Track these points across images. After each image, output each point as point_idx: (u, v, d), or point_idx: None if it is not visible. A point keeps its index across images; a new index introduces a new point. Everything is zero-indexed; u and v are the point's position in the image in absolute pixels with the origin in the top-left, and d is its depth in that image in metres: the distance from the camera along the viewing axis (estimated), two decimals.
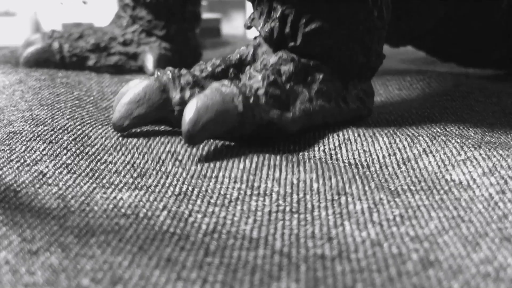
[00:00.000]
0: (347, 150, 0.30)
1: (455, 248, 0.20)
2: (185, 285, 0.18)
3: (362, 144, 0.30)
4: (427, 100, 0.38)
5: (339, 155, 0.29)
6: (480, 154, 0.27)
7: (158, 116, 0.31)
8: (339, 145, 0.30)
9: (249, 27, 0.33)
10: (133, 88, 0.31)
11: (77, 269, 0.18)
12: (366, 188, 0.25)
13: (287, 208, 0.23)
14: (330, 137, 0.31)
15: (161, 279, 0.18)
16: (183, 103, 0.31)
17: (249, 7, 0.86)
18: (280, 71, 0.31)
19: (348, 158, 0.29)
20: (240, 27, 0.89)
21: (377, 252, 0.20)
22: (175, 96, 0.31)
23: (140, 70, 0.49)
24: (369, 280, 0.18)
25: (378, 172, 0.27)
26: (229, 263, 0.19)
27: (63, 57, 0.47)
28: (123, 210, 0.23)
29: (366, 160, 0.29)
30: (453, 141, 0.29)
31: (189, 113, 0.28)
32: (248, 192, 0.25)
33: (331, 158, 0.29)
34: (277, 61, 0.31)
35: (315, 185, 0.25)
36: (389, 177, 0.27)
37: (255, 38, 0.33)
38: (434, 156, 0.28)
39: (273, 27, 0.32)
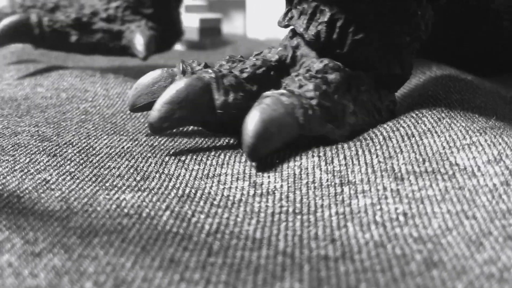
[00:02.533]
0: (355, 148, 0.29)
1: (458, 248, 0.19)
2: (188, 286, 0.18)
3: None
4: (430, 81, 0.37)
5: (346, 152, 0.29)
6: (486, 141, 0.26)
7: (199, 119, 0.29)
8: (349, 146, 0.30)
9: (286, 26, 0.31)
10: (174, 86, 0.28)
11: (80, 271, 0.18)
12: (369, 171, 0.25)
13: (290, 209, 0.23)
14: None
15: (164, 281, 0.18)
16: (227, 107, 0.28)
17: (249, 7, 0.86)
18: (327, 80, 0.29)
19: (357, 154, 0.29)
20: (240, 27, 0.89)
21: (380, 253, 0.19)
22: (218, 98, 0.28)
23: (123, 50, 0.46)
24: (373, 280, 0.18)
25: (382, 143, 0.27)
26: (232, 263, 0.19)
27: (42, 31, 0.44)
28: (126, 210, 0.23)
29: (369, 135, 0.28)
30: (458, 124, 0.28)
31: (254, 125, 0.26)
32: (251, 192, 0.25)
33: (337, 152, 0.29)
34: (323, 68, 0.29)
35: (317, 174, 0.25)
36: (393, 150, 0.27)
37: (292, 38, 0.31)
38: (439, 136, 0.27)
39: (319, 30, 0.30)
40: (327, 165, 0.26)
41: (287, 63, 0.31)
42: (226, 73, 0.29)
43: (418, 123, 0.29)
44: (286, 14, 0.32)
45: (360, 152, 0.26)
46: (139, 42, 0.44)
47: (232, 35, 0.76)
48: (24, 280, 0.18)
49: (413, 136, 0.28)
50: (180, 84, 0.28)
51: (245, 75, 0.29)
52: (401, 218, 0.22)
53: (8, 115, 0.36)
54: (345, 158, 0.26)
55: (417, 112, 0.31)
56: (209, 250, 0.20)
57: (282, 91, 0.28)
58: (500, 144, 0.26)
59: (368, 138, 0.28)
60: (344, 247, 0.20)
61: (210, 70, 0.29)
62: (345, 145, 0.27)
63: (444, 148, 0.26)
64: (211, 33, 0.68)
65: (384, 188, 0.24)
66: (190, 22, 0.67)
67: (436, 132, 0.28)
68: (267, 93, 0.28)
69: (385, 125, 0.30)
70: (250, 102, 0.29)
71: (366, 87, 0.30)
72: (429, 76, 0.39)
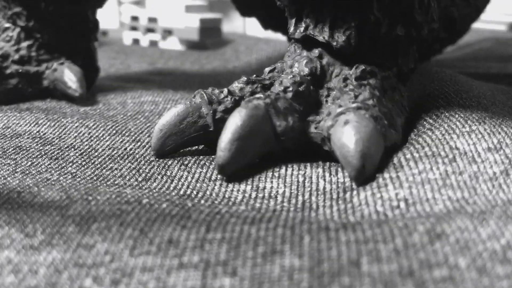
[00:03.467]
0: None
1: (462, 222, 0.19)
2: (187, 272, 0.17)
3: None
4: (425, 77, 0.37)
5: None
6: (485, 130, 0.26)
7: (268, 150, 0.26)
8: None
9: (304, 37, 0.29)
10: (235, 121, 0.25)
11: (79, 265, 0.18)
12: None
13: (292, 208, 0.23)
14: None
15: (162, 271, 0.17)
16: (289, 132, 0.26)
17: None
18: (372, 85, 0.28)
19: None
20: (240, 26, 0.89)
21: (382, 224, 0.19)
22: (280, 124, 0.26)
23: (47, 93, 0.40)
24: (374, 253, 0.18)
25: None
26: (231, 237, 0.19)
27: None
28: (126, 199, 0.23)
29: None
30: (456, 115, 0.28)
31: (356, 145, 0.24)
32: (253, 195, 0.25)
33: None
34: (361, 75, 0.28)
35: (321, 183, 0.25)
36: (393, 151, 0.26)
37: (309, 49, 0.29)
38: (438, 128, 0.27)
39: (349, 36, 0.28)
40: (331, 176, 0.26)
41: (318, 75, 0.29)
42: (277, 96, 0.27)
43: (417, 120, 0.29)
44: (296, 25, 0.29)
45: None
46: (71, 79, 0.39)
47: (231, 34, 0.76)
48: (24, 279, 0.18)
49: (412, 131, 0.28)
50: (241, 116, 0.25)
51: (290, 94, 0.27)
52: (402, 204, 0.22)
53: (8, 110, 0.36)
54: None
55: (416, 110, 0.31)
56: (207, 227, 0.19)
57: (356, 104, 0.26)
58: (499, 133, 0.26)
59: None
60: (345, 222, 0.20)
61: (261, 95, 0.27)
62: None
63: (443, 135, 0.26)
64: (211, 33, 0.68)
65: (384, 178, 0.24)
66: (190, 22, 0.67)
67: (435, 126, 0.28)
68: (341, 109, 0.26)
69: None
70: (304, 123, 0.27)
71: (396, 85, 0.29)
72: (423, 73, 0.39)
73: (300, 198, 0.24)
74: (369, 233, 0.19)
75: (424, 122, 0.29)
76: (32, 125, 0.33)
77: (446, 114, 0.29)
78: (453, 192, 0.22)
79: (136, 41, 0.72)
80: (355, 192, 0.24)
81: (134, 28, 0.72)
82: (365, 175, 0.24)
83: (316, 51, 0.29)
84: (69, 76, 0.39)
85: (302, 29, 0.29)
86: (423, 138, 0.27)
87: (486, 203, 0.21)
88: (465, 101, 0.31)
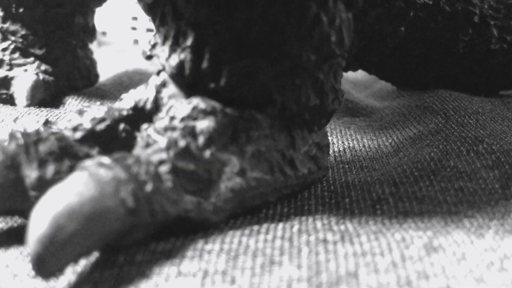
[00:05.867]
0: (351, 155, 0.30)
1: (458, 236, 0.19)
2: (185, 281, 0.17)
3: (369, 147, 0.30)
4: (426, 91, 0.38)
5: (343, 157, 0.29)
6: (484, 148, 0.27)
7: (8, 208, 0.20)
8: (344, 150, 0.30)
9: (148, 57, 0.23)
10: None
11: (77, 272, 0.18)
12: (369, 179, 0.25)
13: (292, 211, 0.23)
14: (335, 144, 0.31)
15: (161, 278, 0.18)
16: (43, 185, 0.20)
17: None
18: (195, 130, 0.21)
19: (353, 161, 0.29)
20: None
21: (380, 238, 0.19)
22: (31, 174, 0.20)
23: (13, 100, 0.38)
24: (372, 265, 0.18)
25: (380, 158, 0.27)
26: (229, 249, 0.19)
27: None
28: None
29: (369, 157, 0.29)
30: (456, 134, 0.29)
31: (39, 224, 0.16)
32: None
33: (335, 160, 0.29)
34: (191, 113, 0.21)
35: (318, 189, 0.25)
36: (392, 167, 0.27)
37: (158, 73, 0.23)
38: (437, 146, 0.28)
39: (183, 60, 0.22)
40: (327, 185, 0.26)
41: (148, 110, 0.22)
42: (46, 136, 0.21)
43: (415, 137, 0.29)
44: (150, 39, 0.24)
45: (361, 174, 0.26)
46: (20, 89, 0.37)
47: None
48: (22, 282, 0.18)
49: (410, 151, 0.28)
50: None
51: (79, 134, 0.21)
52: (401, 216, 0.22)
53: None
54: (346, 180, 0.26)
55: (414, 125, 0.31)
56: (206, 238, 0.19)
57: (102, 160, 0.18)
58: (495, 152, 0.26)
59: (368, 159, 0.28)
60: (343, 233, 0.20)
61: (18, 135, 0.20)
62: (348, 171, 0.27)
63: (443, 154, 0.27)
64: None
65: (383, 192, 0.24)
66: None
67: (434, 144, 0.28)
68: (81, 164, 0.18)
69: (386, 144, 0.29)
70: None
71: (264, 131, 0.22)
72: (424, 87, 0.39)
73: (298, 201, 0.24)
74: (366, 246, 0.19)
75: (424, 138, 0.29)
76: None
77: (445, 131, 0.29)
78: (454, 206, 0.22)
79: (136, 41, 0.72)
80: (354, 202, 0.24)
81: (134, 28, 0.72)
82: (47, 268, 0.16)
83: (161, 78, 0.23)
84: (20, 85, 0.37)
85: (150, 46, 0.24)
86: (423, 157, 0.27)
87: (484, 216, 0.22)
88: (463, 118, 0.31)
